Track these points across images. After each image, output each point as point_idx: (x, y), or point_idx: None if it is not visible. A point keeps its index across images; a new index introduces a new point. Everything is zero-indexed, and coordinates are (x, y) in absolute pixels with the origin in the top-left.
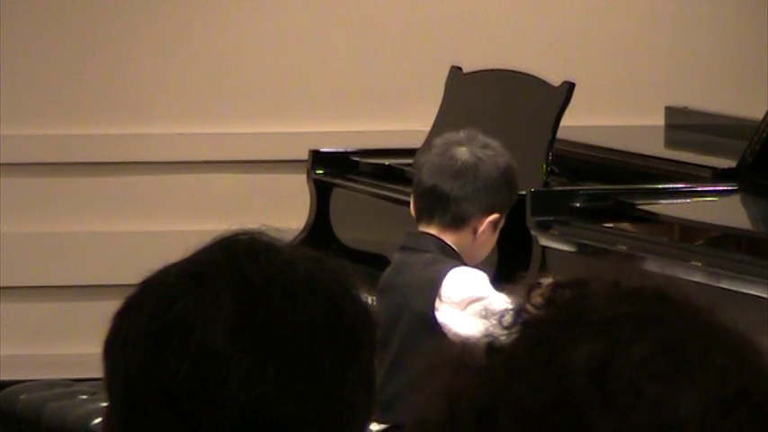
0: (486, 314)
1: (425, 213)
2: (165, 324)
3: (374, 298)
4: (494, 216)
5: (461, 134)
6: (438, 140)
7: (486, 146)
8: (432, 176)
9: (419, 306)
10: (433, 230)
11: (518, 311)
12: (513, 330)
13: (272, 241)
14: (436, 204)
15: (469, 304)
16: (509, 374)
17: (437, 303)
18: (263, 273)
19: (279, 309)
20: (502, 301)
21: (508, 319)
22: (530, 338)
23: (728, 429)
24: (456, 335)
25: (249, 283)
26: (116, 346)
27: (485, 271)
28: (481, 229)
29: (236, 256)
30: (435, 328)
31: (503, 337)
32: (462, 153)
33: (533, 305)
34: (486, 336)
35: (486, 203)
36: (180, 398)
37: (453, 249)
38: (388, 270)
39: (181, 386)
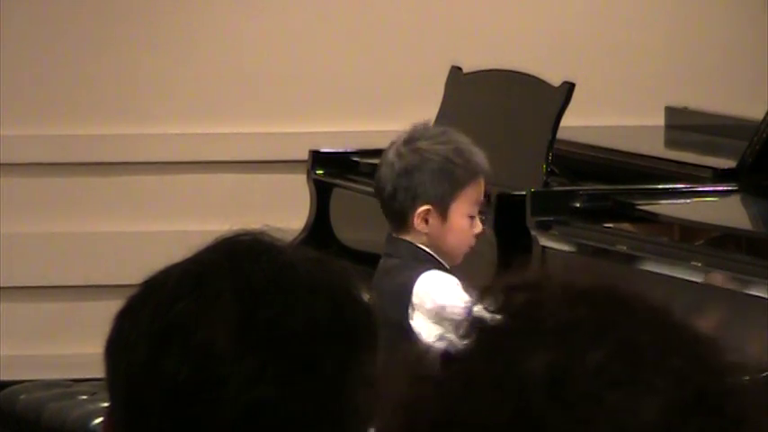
0: (442, 321)
1: (386, 218)
2: (166, 324)
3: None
4: (425, 208)
5: (404, 132)
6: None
7: (415, 138)
8: (376, 179)
9: (395, 314)
10: (396, 234)
11: (473, 319)
12: (469, 339)
13: (274, 242)
14: (383, 208)
15: (438, 312)
16: (466, 387)
17: (410, 311)
18: (264, 273)
19: (280, 310)
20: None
21: (463, 326)
22: (486, 348)
23: None
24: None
25: (250, 283)
26: (117, 346)
27: (485, 271)
28: (417, 223)
29: (238, 256)
30: (412, 336)
31: (458, 346)
32: (390, 151)
33: (487, 311)
34: (442, 344)
35: (413, 197)
36: (181, 398)
37: (424, 251)
38: (375, 276)
39: (182, 387)
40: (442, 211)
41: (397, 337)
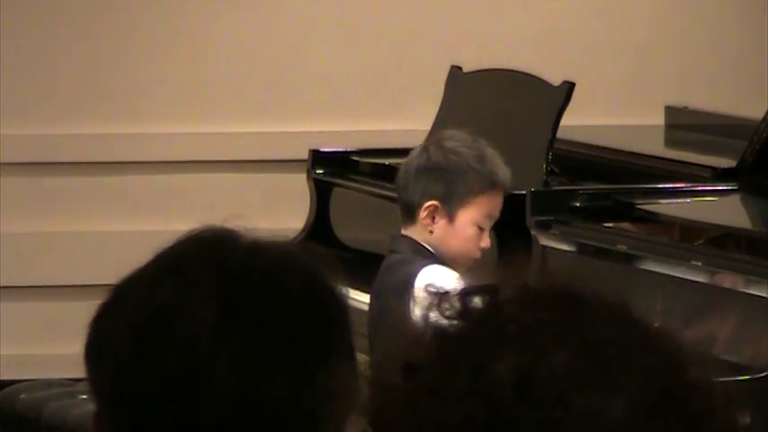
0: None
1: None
2: (149, 316)
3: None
4: (431, 203)
5: (434, 133)
6: None
7: (444, 138)
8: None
9: (398, 308)
10: (402, 230)
11: (433, 327)
12: (431, 347)
13: (237, 231)
14: (398, 201)
15: None
16: (434, 397)
17: (412, 305)
18: (238, 258)
19: (258, 289)
20: None
21: (425, 334)
22: (450, 357)
23: (656, 430)
24: None
25: (227, 267)
26: (100, 347)
27: (485, 271)
28: (423, 217)
29: (210, 245)
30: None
31: (420, 354)
32: (416, 149)
33: (445, 317)
34: (403, 352)
35: (423, 191)
36: (171, 387)
37: (425, 248)
38: (378, 273)
39: (171, 375)
40: (450, 211)
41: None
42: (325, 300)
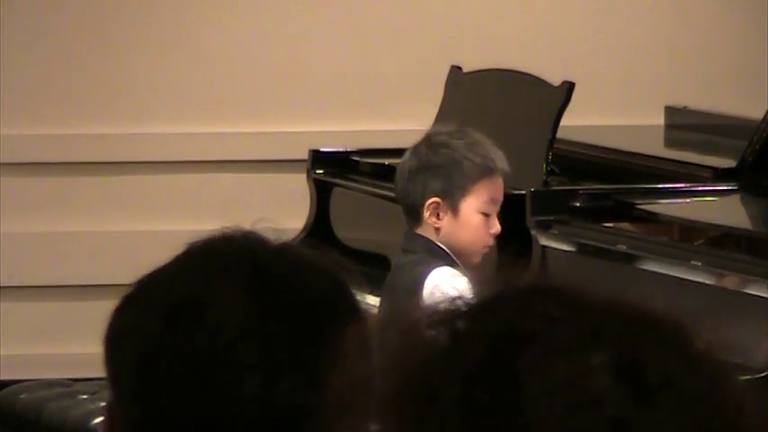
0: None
1: (405, 217)
2: (178, 301)
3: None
4: (432, 200)
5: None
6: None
7: (432, 135)
8: (394, 183)
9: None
10: (413, 230)
11: (418, 344)
12: (416, 366)
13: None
14: (401, 203)
15: None
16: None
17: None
18: (271, 252)
19: (289, 283)
20: None
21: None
22: (440, 374)
23: (665, 421)
24: None
25: (260, 257)
26: (123, 333)
27: (485, 271)
28: (427, 216)
29: (241, 241)
30: None
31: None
32: (406, 153)
33: (427, 334)
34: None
35: (420, 190)
36: (198, 373)
37: (439, 247)
38: (390, 272)
39: (198, 361)
40: (452, 204)
41: None
42: (355, 308)
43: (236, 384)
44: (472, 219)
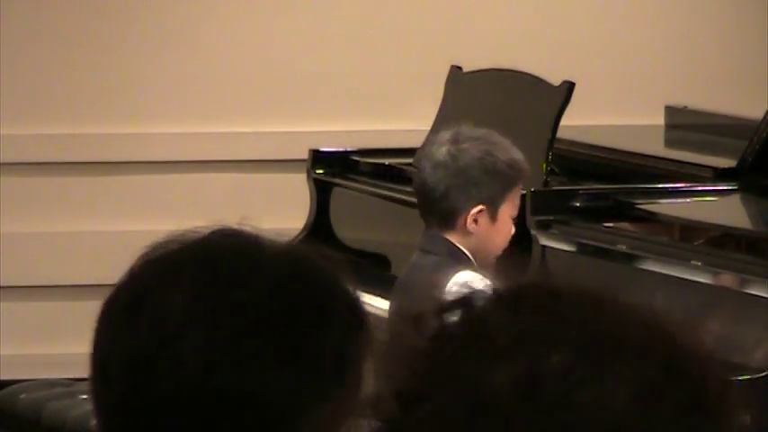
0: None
1: (423, 214)
2: (129, 298)
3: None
4: (479, 208)
5: (447, 132)
6: (429, 140)
7: (468, 139)
8: (416, 177)
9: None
10: (436, 231)
11: (421, 352)
12: (424, 374)
13: (256, 232)
14: (425, 206)
15: None
16: (442, 427)
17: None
18: (230, 247)
19: (241, 275)
20: None
21: (414, 362)
22: (448, 380)
23: (668, 411)
24: None
25: (214, 254)
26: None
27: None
28: (469, 223)
29: (207, 236)
30: None
31: (414, 383)
32: (441, 151)
33: (434, 337)
34: (398, 383)
35: (467, 198)
36: (136, 368)
37: (462, 251)
38: (406, 270)
39: (137, 355)
40: (493, 211)
41: None
42: (317, 295)
43: (171, 380)
44: (507, 224)
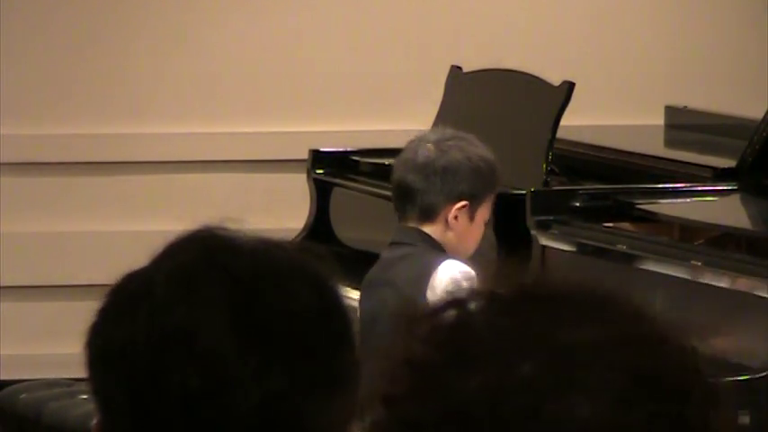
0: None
1: (398, 208)
2: (167, 333)
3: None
4: (461, 204)
5: (431, 133)
6: (412, 140)
7: (452, 138)
8: (397, 172)
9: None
10: (412, 224)
11: (404, 354)
12: (403, 377)
13: (235, 234)
14: (405, 199)
15: None
16: (411, 430)
17: (429, 294)
18: (246, 267)
19: (272, 301)
20: None
21: (398, 366)
22: (421, 386)
23: (638, 423)
24: None
25: (238, 279)
26: (111, 357)
27: (485, 271)
28: (450, 217)
29: (216, 254)
30: None
31: (395, 385)
32: (426, 147)
33: (419, 341)
34: (380, 385)
35: (450, 192)
36: (193, 405)
37: (438, 243)
38: (375, 266)
39: (193, 393)
40: (473, 210)
41: None
42: (336, 308)
43: (232, 411)
44: (480, 227)
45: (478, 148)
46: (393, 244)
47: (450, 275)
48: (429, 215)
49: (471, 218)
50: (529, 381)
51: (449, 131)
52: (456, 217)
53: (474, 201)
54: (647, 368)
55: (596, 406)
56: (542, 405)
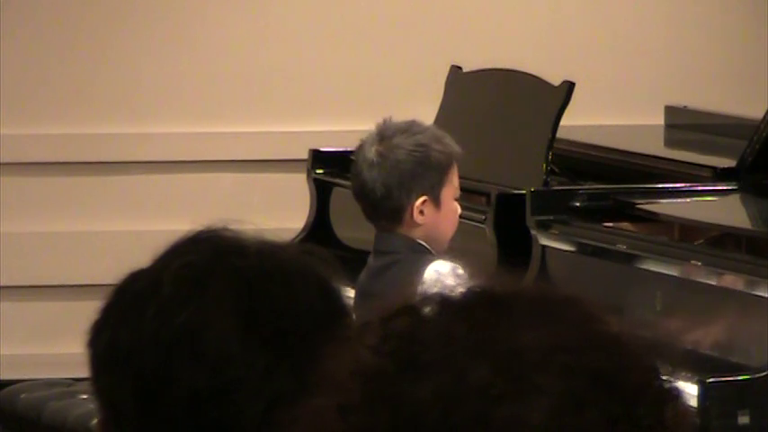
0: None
1: (368, 217)
2: (174, 333)
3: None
4: (422, 199)
5: (373, 132)
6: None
7: (394, 133)
8: (353, 183)
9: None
10: (388, 229)
11: (356, 366)
12: (355, 387)
13: (241, 235)
14: (370, 208)
15: None
16: None
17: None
18: (254, 268)
19: (279, 302)
20: None
21: (348, 375)
22: (372, 396)
23: (594, 423)
24: None
25: (246, 281)
26: (117, 357)
27: (485, 271)
28: (416, 214)
29: (224, 255)
30: None
31: (348, 395)
32: (371, 151)
33: (369, 349)
34: (334, 393)
35: (408, 192)
36: (199, 405)
37: (422, 244)
38: (364, 275)
39: (200, 393)
40: (436, 199)
41: None
42: (341, 306)
43: (239, 412)
44: (451, 207)
45: (422, 134)
46: (378, 252)
47: (437, 277)
48: (396, 219)
49: (438, 206)
50: (481, 386)
51: (389, 125)
52: (421, 212)
53: (433, 190)
54: (600, 369)
55: (549, 409)
56: (495, 411)
